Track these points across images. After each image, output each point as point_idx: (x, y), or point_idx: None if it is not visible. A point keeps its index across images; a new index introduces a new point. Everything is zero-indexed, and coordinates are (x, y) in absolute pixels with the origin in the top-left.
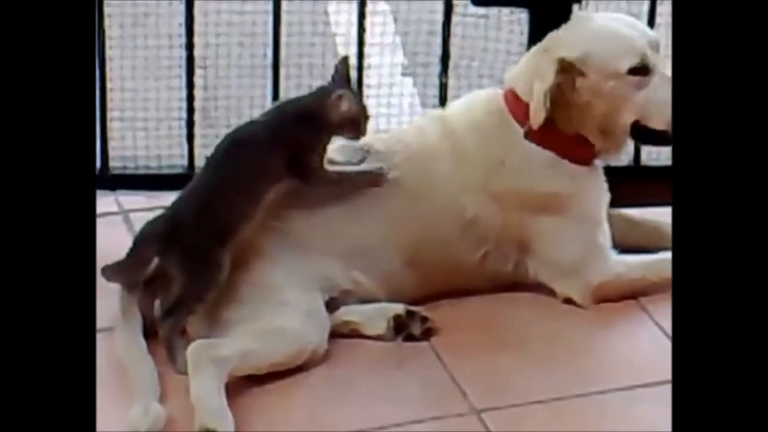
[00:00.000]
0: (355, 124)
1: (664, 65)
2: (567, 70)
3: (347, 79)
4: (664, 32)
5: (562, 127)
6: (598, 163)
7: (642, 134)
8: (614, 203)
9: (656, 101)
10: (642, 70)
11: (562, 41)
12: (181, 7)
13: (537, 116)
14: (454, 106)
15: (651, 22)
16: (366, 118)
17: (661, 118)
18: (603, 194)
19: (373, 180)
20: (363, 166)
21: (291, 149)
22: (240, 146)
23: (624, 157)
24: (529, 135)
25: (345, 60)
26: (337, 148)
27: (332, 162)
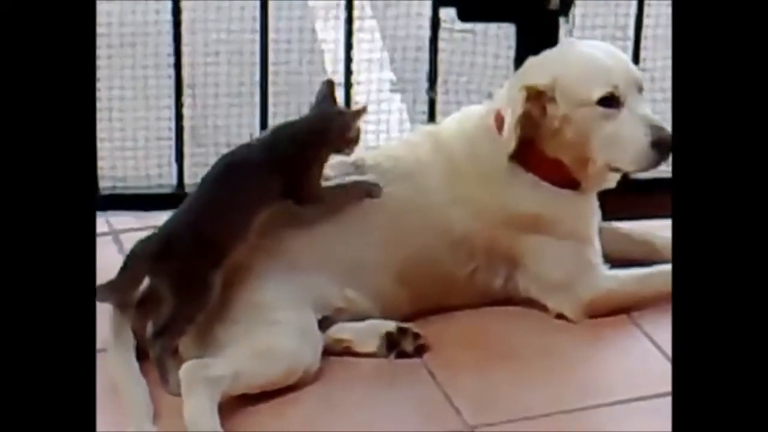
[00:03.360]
0: (354, 141)
1: (638, 103)
2: (535, 97)
3: (333, 100)
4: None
5: (542, 151)
6: (589, 187)
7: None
8: (605, 217)
9: (621, 138)
10: (612, 102)
11: (535, 67)
12: (169, 28)
13: (508, 144)
14: (446, 122)
15: (639, 26)
16: (359, 134)
17: (625, 158)
18: (592, 214)
19: (368, 191)
20: (356, 178)
21: (289, 174)
22: (234, 168)
23: None
24: (512, 157)
25: (330, 82)
26: (329, 164)
27: (326, 178)
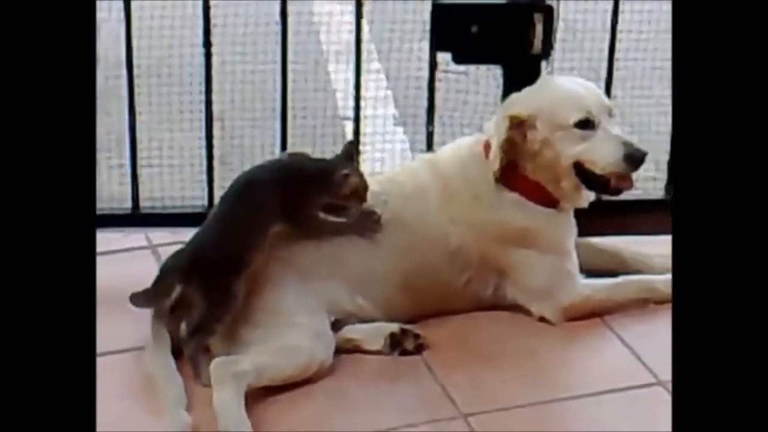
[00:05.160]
0: (358, 196)
1: (610, 125)
2: (517, 125)
3: (351, 158)
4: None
5: (525, 174)
6: (566, 206)
7: (586, 178)
8: (581, 233)
9: (597, 150)
10: (587, 124)
11: (517, 101)
12: (201, 68)
13: (494, 164)
14: (442, 150)
15: (610, 67)
16: (365, 188)
17: (598, 162)
18: (569, 229)
19: (366, 227)
20: (356, 215)
21: (287, 199)
22: (248, 187)
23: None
24: (499, 179)
25: (352, 143)
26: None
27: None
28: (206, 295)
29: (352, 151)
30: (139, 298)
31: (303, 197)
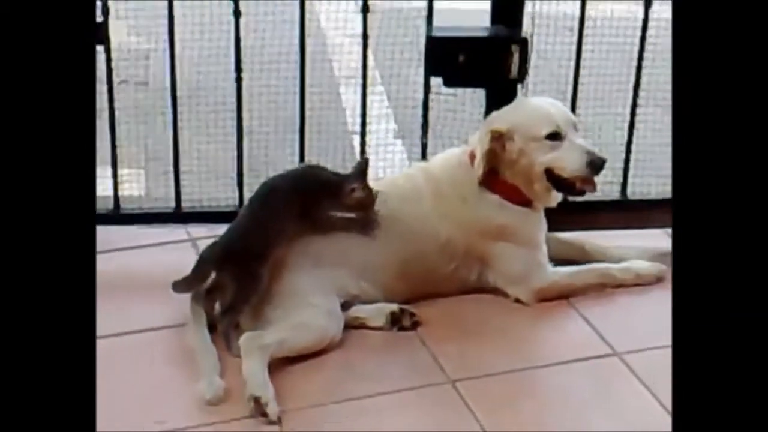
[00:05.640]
0: (364, 207)
1: (575, 137)
2: (498, 138)
3: (363, 173)
4: None
5: (504, 179)
6: (538, 205)
7: (555, 182)
8: (550, 228)
9: (565, 157)
10: (556, 136)
11: (497, 118)
12: (233, 91)
13: (478, 171)
14: (435, 159)
15: (575, 88)
16: (373, 202)
17: (566, 168)
18: (541, 225)
19: (367, 228)
20: (361, 216)
21: (304, 206)
22: (270, 192)
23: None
24: (482, 183)
25: (366, 160)
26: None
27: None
28: (236, 280)
29: (364, 167)
30: (179, 285)
31: (317, 204)
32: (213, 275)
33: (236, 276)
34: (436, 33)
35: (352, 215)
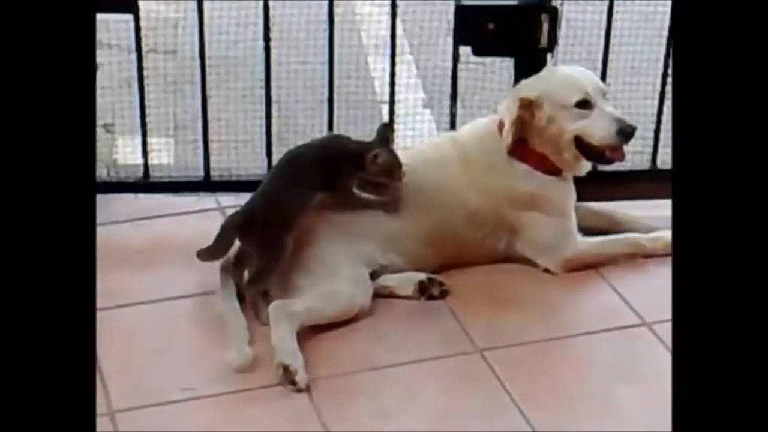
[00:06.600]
0: (389, 172)
1: (605, 105)
2: (526, 106)
3: (386, 139)
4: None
5: (533, 147)
6: (567, 174)
7: (584, 150)
8: (579, 198)
9: (594, 125)
10: (586, 104)
11: (526, 86)
12: (262, 60)
13: (506, 139)
14: (463, 128)
15: (605, 59)
16: (399, 166)
17: (595, 136)
18: (570, 195)
19: (390, 206)
20: (392, 193)
21: (327, 175)
22: (293, 161)
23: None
24: (511, 152)
25: (387, 125)
26: None
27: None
28: (259, 248)
29: (387, 133)
30: (203, 254)
31: (340, 172)
32: (237, 244)
33: (259, 244)
34: (465, 1)
35: (379, 181)
